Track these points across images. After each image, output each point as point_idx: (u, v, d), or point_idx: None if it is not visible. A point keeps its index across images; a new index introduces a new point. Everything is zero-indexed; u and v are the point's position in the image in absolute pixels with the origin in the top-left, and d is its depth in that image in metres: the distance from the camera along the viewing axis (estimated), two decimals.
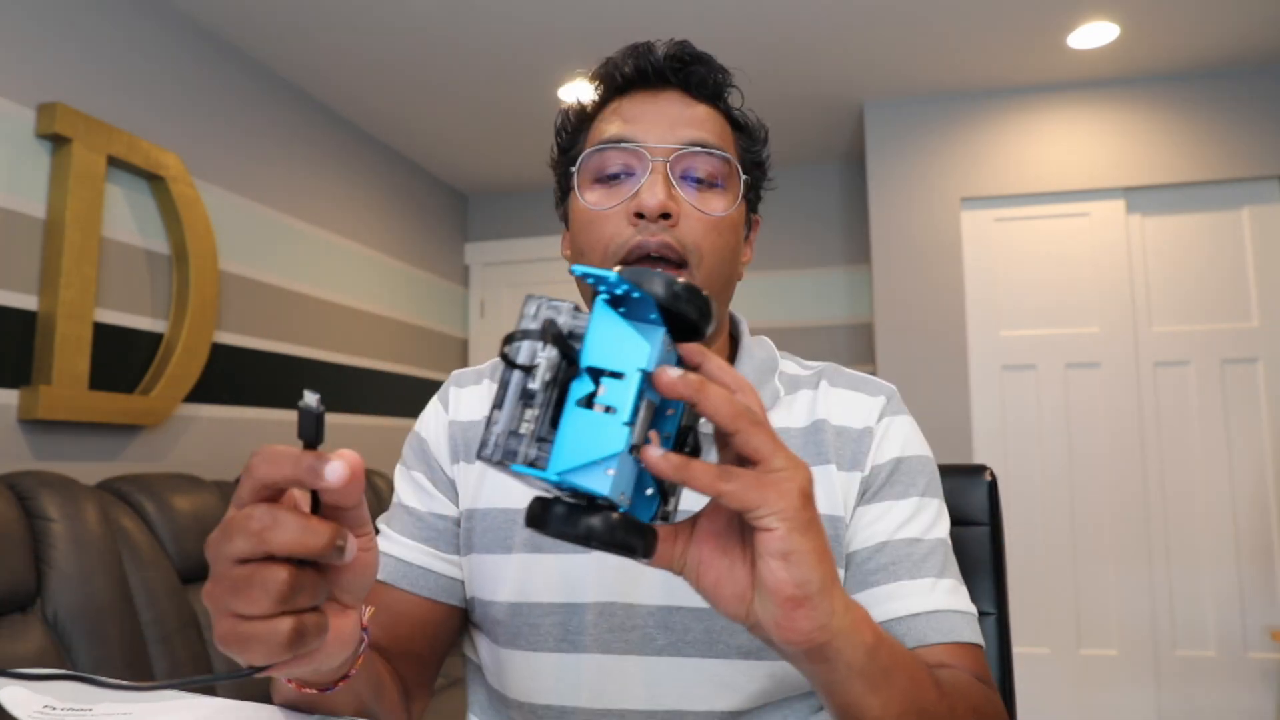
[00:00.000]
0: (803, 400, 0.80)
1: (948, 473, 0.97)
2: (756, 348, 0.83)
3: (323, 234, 3.04)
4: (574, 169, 0.76)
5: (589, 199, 0.75)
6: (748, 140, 0.81)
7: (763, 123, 0.83)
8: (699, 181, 0.74)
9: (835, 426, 0.77)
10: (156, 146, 2.25)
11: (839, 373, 0.82)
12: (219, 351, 2.49)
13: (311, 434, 0.42)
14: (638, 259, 0.72)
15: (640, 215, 0.71)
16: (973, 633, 0.71)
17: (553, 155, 0.84)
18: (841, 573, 0.73)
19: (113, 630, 1.65)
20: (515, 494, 0.78)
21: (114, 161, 2.13)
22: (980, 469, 0.97)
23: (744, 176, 0.78)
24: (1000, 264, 3.09)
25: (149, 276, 2.27)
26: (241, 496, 0.43)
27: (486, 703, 0.81)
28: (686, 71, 0.77)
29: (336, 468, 0.42)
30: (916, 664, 0.55)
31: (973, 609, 0.73)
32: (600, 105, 0.80)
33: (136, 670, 1.68)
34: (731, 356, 0.84)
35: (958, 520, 0.95)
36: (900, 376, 3.07)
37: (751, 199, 0.82)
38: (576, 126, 0.81)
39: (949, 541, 0.75)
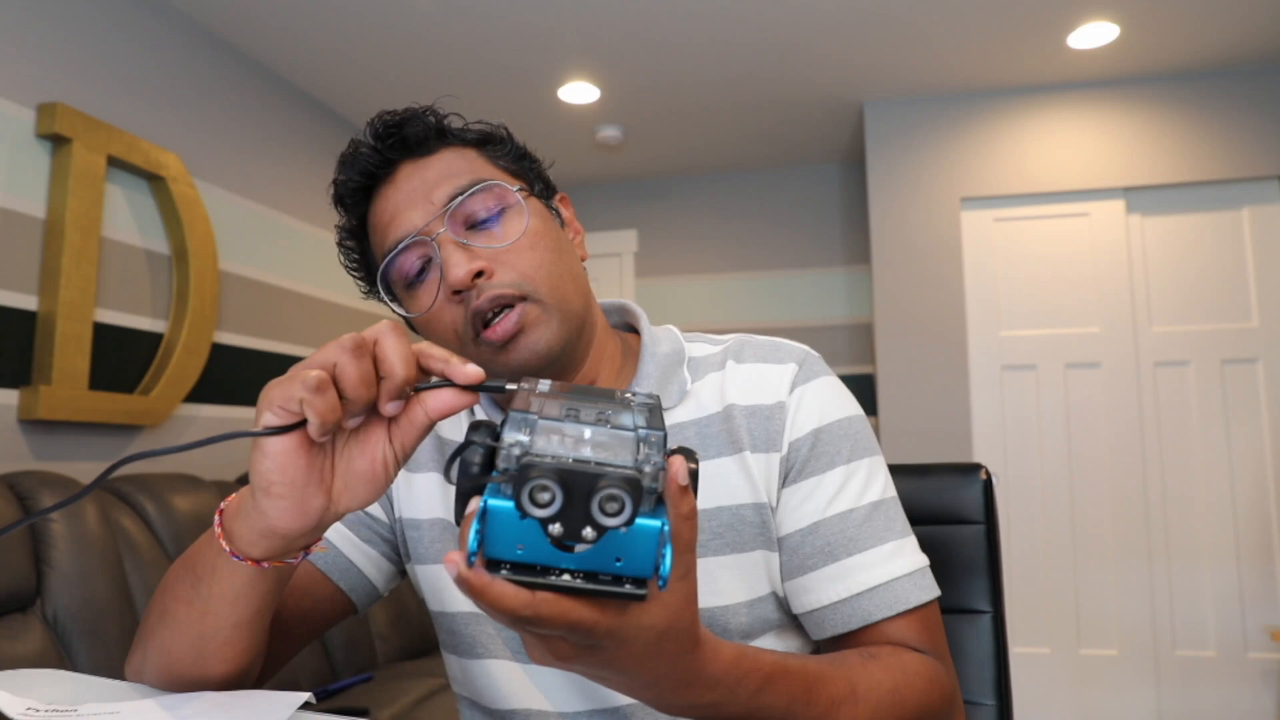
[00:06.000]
0: (710, 385, 0.76)
1: (942, 471, 0.97)
2: (662, 342, 0.80)
3: (323, 234, 3.04)
4: (392, 300, 0.76)
5: (414, 309, 0.75)
6: (496, 147, 0.79)
7: (497, 124, 0.81)
8: (485, 221, 0.73)
9: (745, 407, 0.74)
10: (156, 146, 2.25)
11: (746, 345, 0.78)
12: (219, 351, 2.49)
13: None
14: (486, 323, 0.71)
15: (458, 291, 0.71)
16: (920, 591, 0.69)
17: (354, 278, 0.84)
18: (776, 557, 0.73)
19: (113, 630, 1.65)
20: (450, 505, 0.78)
21: (114, 161, 2.13)
22: (975, 467, 0.96)
23: (516, 186, 0.76)
24: (1000, 264, 3.09)
25: (149, 276, 2.28)
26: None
27: (469, 713, 0.82)
28: (402, 140, 0.75)
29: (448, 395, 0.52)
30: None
31: (920, 561, 0.71)
32: (362, 219, 0.79)
33: None
34: (634, 353, 0.82)
35: (953, 520, 0.95)
36: (900, 377, 3.07)
37: (539, 190, 0.79)
38: (358, 245, 0.81)
39: (889, 497, 0.73)
